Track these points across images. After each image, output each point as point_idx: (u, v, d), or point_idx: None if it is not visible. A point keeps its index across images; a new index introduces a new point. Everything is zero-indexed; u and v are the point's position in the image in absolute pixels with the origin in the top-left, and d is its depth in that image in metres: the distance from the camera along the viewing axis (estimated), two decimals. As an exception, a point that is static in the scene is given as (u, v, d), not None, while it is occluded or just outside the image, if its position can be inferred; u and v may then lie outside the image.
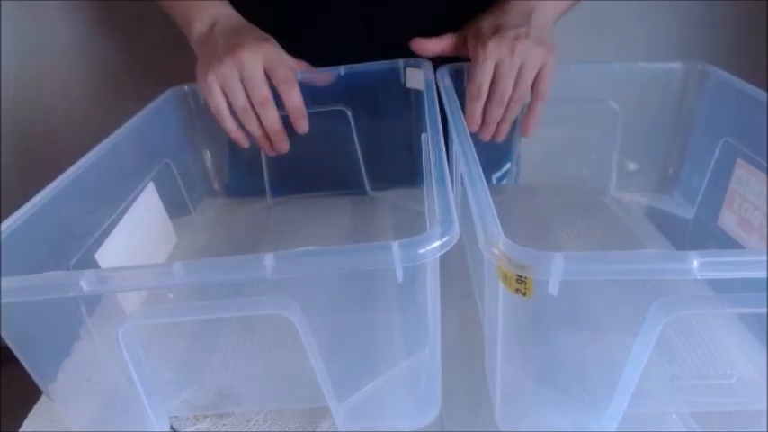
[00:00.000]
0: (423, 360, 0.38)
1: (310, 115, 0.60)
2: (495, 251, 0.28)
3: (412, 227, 0.62)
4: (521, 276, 0.28)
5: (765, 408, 0.37)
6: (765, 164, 0.47)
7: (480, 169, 0.37)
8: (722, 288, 0.30)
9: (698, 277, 0.26)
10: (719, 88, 0.57)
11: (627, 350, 0.30)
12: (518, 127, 0.67)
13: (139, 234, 0.53)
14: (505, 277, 0.29)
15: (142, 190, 0.55)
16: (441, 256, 0.30)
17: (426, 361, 0.37)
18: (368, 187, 0.70)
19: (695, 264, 0.26)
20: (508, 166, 0.74)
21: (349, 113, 0.65)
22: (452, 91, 0.54)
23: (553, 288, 0.27)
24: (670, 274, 0.27)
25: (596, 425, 0.34)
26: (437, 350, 0.37)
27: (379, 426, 0.38)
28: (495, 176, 0.74)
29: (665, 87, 0.61)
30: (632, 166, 0.67)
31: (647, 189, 0.66)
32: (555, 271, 0.27)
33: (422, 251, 0.29)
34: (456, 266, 0.55)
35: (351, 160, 0.68)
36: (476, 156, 0.39)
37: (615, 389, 0.32)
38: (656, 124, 0.64)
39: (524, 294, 0.29)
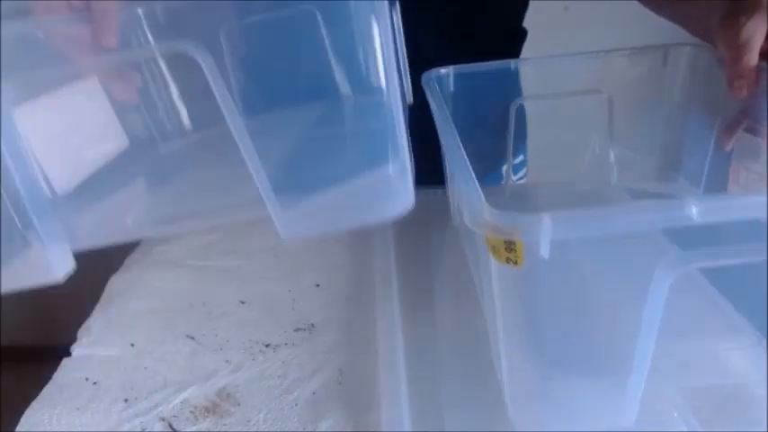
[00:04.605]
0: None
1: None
2: (480, 221, 0.27)
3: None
4: (510, 243, 0.27)
5: (765, 409, 0.35)
6: (764, 130, 0.46)
7: (459, 141, 0.35)
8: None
9: (698, 222, 0.25)
10: (710, 66, 0.55)
11: (635, 316, 0.28)
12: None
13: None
14: (494, 249, 0.28)
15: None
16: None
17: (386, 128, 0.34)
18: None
19: (694, 210, 0.25)
20: (521, 158, 0.73)
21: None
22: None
23: (544, 250, 0.25)
24: (668, 222, 0.25)
25: (616, 401, 0.32)
26: (399, 109, 0.34)
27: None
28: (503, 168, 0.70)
29: (656, 72, 0.60)
30: (632, 155, 0.66)
31: (650, 177, 0.65)
32: (544, 231, 0.25)
33: None
34: (452, 266, 0.54)
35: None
36: (457, 135, 0.38)
37: (632, 359, 0.29)
38: (651, 110, 0.63)
39: (516, 263, 0.27)
